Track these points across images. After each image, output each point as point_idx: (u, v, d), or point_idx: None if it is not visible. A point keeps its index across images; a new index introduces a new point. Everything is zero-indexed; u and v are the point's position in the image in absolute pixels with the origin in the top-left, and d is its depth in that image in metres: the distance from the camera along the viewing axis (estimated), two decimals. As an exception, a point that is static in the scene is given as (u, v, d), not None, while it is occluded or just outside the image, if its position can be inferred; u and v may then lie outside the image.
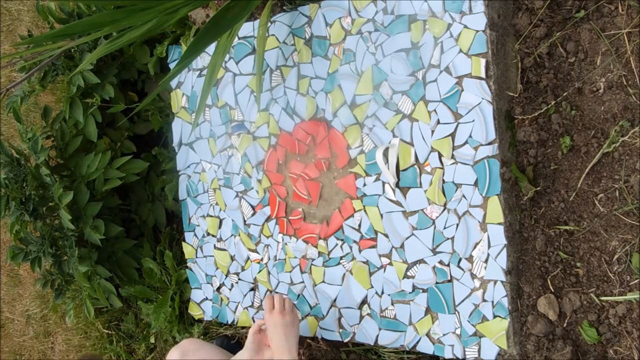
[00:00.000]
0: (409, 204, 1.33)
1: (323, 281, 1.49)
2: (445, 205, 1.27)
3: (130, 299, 2.06)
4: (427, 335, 1.31)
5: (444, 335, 1.29)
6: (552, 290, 1.22)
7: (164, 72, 1.90)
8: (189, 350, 1.52)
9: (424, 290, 1.32)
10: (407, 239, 1.33)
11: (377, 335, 1.40)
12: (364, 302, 1.42)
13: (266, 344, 1.39)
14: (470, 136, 1.23)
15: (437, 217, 1.28)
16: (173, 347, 1.57)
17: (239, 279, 1.69)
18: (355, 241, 1.42)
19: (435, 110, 1.27)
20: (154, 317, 1.85)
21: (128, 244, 1.92)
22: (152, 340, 2.04)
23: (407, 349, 1.36)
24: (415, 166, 1.31)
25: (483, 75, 1.20)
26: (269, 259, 1.60)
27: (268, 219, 1.60)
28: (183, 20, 1.76)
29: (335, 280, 1.47)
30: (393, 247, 1.36)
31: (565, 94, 1.23)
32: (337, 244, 1.46)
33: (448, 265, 1.28)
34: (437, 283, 1.29)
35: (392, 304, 1.37)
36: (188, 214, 1.81)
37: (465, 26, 1.22)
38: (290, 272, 1.56)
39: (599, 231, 1.19)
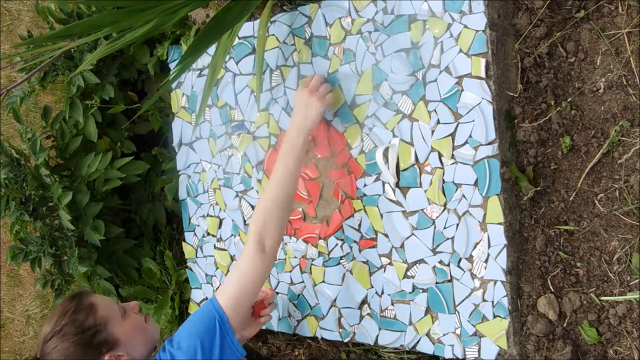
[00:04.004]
0: (409, 204, 1.33)
1: (323, 281, 1.49)
2: (445, 205, 1.27)
3: (130, 299, 2.06)
4: (427, 335, 1.31)
5: (444, 335, 1.29)
6: (552, 290, 1.23)
7: (164, 72, 1.90)
8: None
9: (424, 290, 1.32)
10: (407, 239, 1.33)
11: (377, 335, 1.40)
12: (364, 302, 1.42)
13: (252, 318, 1.44)
14: (470, 136, 1.23)
15: (437, 217, 1.28)
16: None
17: (239, 279, 1.69)
18: (355, 241, 1.42)
19: (435, 110, 1.27)
20: (154, 317, 1.85)
21: (128, 244, 1.92)
22: (152, 340, 2.04)
23: (407, 349, 1.36)
24: (415, 166, 1.31)
25: (483, 75, 1.20)
26: (269, 259, 1.60)
27: (268, 219, 1.60)
28: (183, 21, 1.76)
29: (335, 280, 1.47)
30: (393, 247, 1.36)
31: (565, 94, 1.23)
32: (337, 244, 1.46)
33: (448, 265, 1.28)
34: (437, 283, 1.29)
35: (392, 304, 1.37)
36: (188, 214, 1.81)
37: (465, 26, 1.22)
38: (290, 272, 1.56)
39: (599, 231, 1.19)
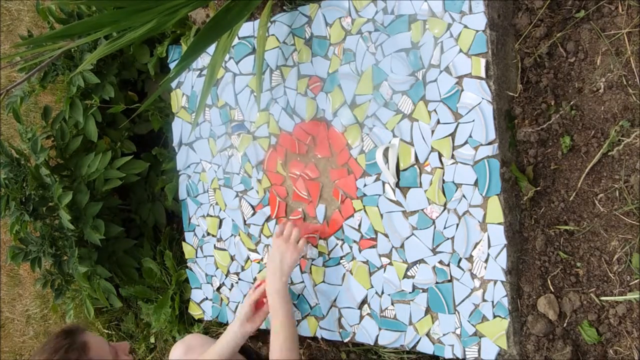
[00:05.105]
0: (409, 204, 1.33)
1: (323, 281, 1.49)
2: (445, 205, 1.27)
3: (130, 299, 2.06)
4: (427, 335, 1.31)
5: (444, 335, 1.29)
6: (552, 290, 1.23)
7: (164, 72, 1.90)
8: (194, 345, 1.52)
9: (424, 290, 1.32)
10: (407, 239, 1.33)
11: (377, 335, 1.40)
12: (364, 302, 1.42)
13: (255, 312, 1.44)
14: (470, 136, 1.23)
15: (437, 217, 1.28)
16: (177, 342, 1.56)
17: (239, 279, 1.69)
18: (355, 241, 1.42)
19: (435, 110, 1.27)
20: (154, 317, 1.85)
21: (128, 244, 1.92)
22: (152, 340, 2.05)
23: (407, 349, 1.36)
24: (415, 166, 1.31)
25: (483, 75, 1.20)
26: (269, 259, 1.60)
27: (268, 219, 1.60)
28: (183, 21, 1.76)
29: (335, 280, 1.47)
30: (393, 247, 1.36)
31: (565, 94, 1.23)
32: (337, 244, 1.46)
33: (448, 265, 1.28)
34: (437, 283, 1.29)
35: (392, 304, 1.37)
36: (188, 214, 1.81)
37: (465, 26, 1.22)
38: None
39: (599, 231, 1.19)
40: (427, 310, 1.31)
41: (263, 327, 1.52)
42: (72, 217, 1.70)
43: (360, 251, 1.42)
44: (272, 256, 1.43)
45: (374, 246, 1.39)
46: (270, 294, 1.38)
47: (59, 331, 1.26)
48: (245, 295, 1.68)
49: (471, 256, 1.24)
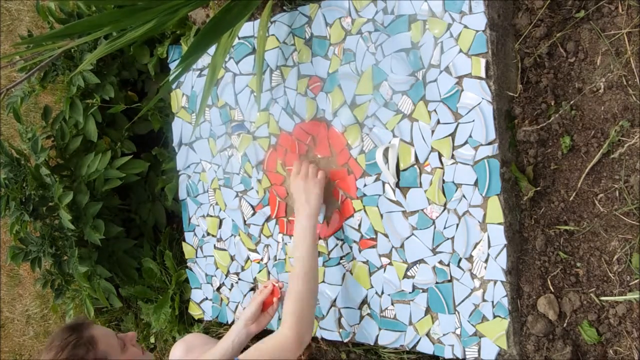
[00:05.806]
0: (409, 204, 1.33)
1: (323, 281, 1.49)
2: (445, 205, 1.27)
3: (130, 299, 2.06)
4: (427, 335, 1.31)
5: (444, 335, 1.29)
6: (552, 290, 1.23)
7: (164, 72, 1.90)
8: (195, 344, 1.52)
9: (424, 290, 1.32)
10: (407, 239, 1.33)
11: (377, 335, 1.40)
12: (364, 302, 1.42)
13: (261, 313, 1.45)
14: (470, 136, 1.23)
15: (437, 217, 1.28)
16: (178, 340, 1.56)
17: (239, 279, 1.69)
18: (355, 241, 1.42)
19: (435, 110, 1.27)
20: (154, 317, 1.85)
21: (128, 244, 1.92)
22: (152, 340, 2.04)
23: (407, 349, 1.36)
24: (415, 166, 1.31)
25: (483, 75, 1.20)
26: (269, 258, 1.61)
27: (268, 219, 1.60)
28: (183, 21, 1.76)
29: (335, 280, 1.47)
30: (393, 247, 1.36)
31: (565, 94, 1.23)
32: (337, 244, 1.46)
33: (448, 265, 1.28)
34: (437, 283, 1.29)
35: (392, 304, 1.37)
36: (188, 214, 1.81)
37: (465, 26, 1.22)
38: (290, 272, 1.56)
39: (599, 231, 1.19)
40: (427, 310, 1.31)
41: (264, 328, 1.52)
42: (72, 217, 1.70)
43: (360, 251, 1.42)
44: (296, 196, 1.42)
45: (374, 246, 1.39)
46: (300, 236, 1.37)
47: (64, 327, 1.24)
48: (245, 296, 1.68)
49: (471, 256, 1.24)
